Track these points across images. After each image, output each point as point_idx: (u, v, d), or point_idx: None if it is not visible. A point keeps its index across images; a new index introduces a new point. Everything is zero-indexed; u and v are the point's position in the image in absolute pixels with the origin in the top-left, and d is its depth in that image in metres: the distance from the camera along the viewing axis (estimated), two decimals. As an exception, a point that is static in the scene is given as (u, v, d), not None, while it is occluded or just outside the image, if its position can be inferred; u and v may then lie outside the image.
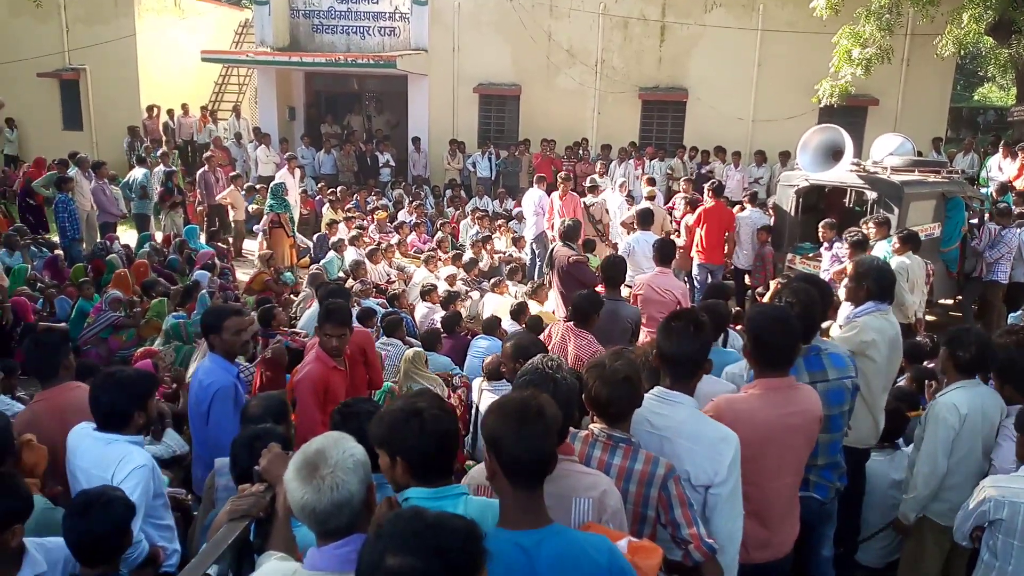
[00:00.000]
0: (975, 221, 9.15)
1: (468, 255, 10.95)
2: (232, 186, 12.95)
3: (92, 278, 8.89)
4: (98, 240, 10.83)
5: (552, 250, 7.29)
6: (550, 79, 16.84)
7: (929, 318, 7.52)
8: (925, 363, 5.82)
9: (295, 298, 9.53)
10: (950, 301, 9.69)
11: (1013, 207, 9.72)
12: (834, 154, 8.88)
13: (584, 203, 11.12)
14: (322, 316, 4.34)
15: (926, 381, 5.18)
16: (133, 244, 11.39)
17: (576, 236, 7.43)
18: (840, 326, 4.29)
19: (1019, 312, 5.54)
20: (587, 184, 12.08)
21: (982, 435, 3.46)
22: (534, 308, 8.22)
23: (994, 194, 10.49)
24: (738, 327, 6.34)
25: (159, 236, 11.95)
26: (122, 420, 3.17)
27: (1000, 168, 12.51)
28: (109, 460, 3.08)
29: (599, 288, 5.90)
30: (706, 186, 10.25)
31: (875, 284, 3.87)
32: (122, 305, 7.70)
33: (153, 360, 6.27)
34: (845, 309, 3.78)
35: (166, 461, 4.73)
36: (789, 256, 9.37)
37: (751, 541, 2.98)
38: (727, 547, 2.66)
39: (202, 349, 5.48)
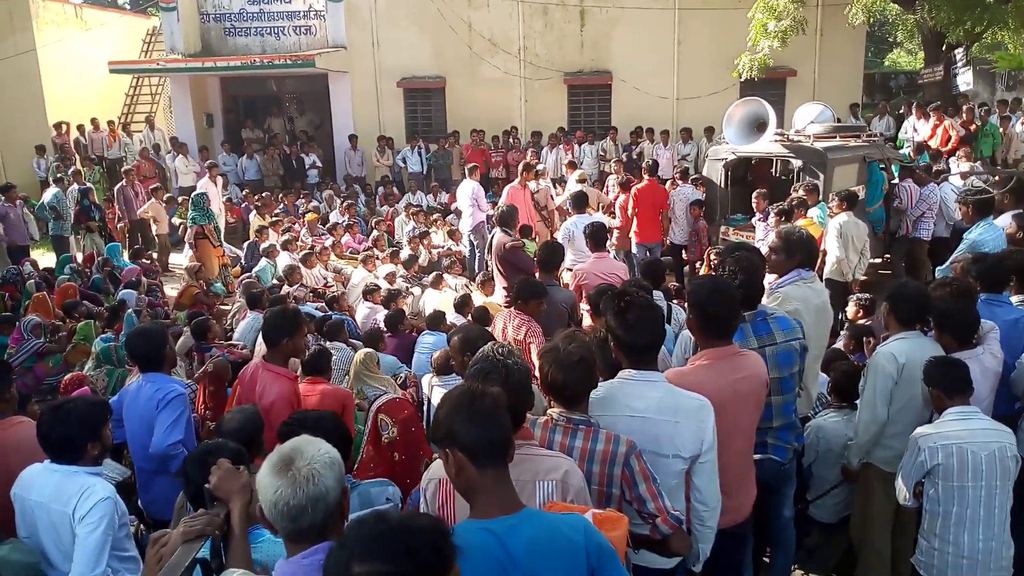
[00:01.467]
0: (895, 182, 9.47)
1: (406, 252, 10.81)
2: (153, 199, 12.50)
3: (7, 306, 8.44)
4: (10, 266, 10.28)
5: (491, 237, 7.23)
6: (474, 69, 16.74)
7: (861, 277, 7.74)
8: (862, 320, 6.00)
9: (227, 309, 9.26)
10: (878, 260, 10.02)
11: (923, 165, 10.10)
12: (758, 126, 9.07)
13: (529, 188, 11.09)
14: (274, 331, 3.98)
15: (864, 338, 5.34)
16: (53, 267, 10.87)
17: (512, 222, 7.39)
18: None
19: (944, 265, 5.71)
20: (536, 168, 12.01)
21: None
22: (478, 300, 8.16)
23: (911, 154, 10.88)
24: (682, 303, 6.43)
25: (80, 257, 11.44)
26: (76, 452, 3.02)
27: (915, 129, 13.00)
28: (69, 492, 2.93)
29: (535, 273, 5.87)
30: (643, 166, 10.34)
31: (794, 251, 3.93)
32: (43, 330, 7.32)
33: (88, 385, 5.98)
34: (767, 279, 3.83)
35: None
36: (723, 228, 9.55)
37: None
38: (716, 508, 2.74)
39: (135, 372, 5.26)
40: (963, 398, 3.29)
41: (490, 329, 4.79)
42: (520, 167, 10.63)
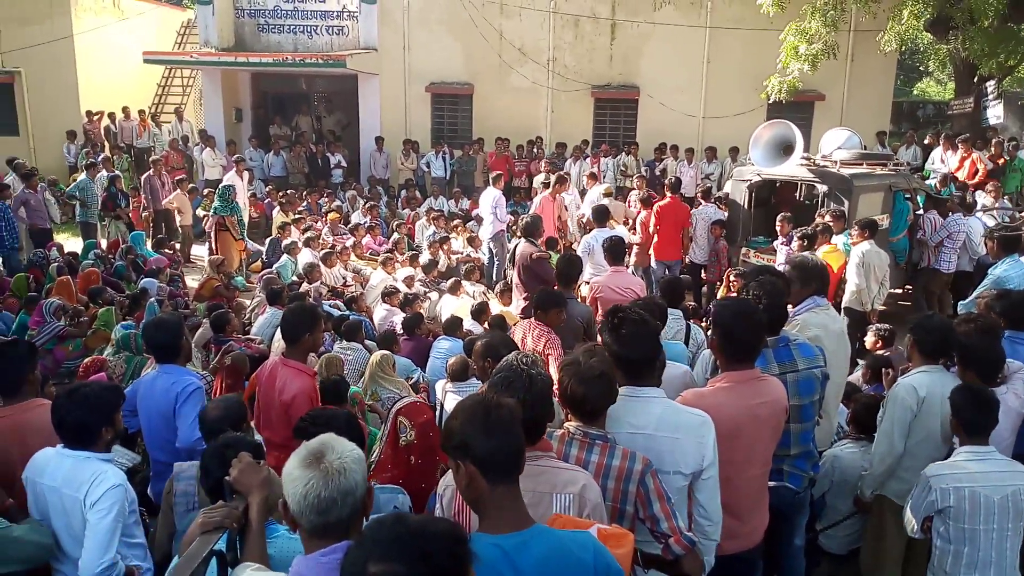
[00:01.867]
0: (920, 212, 9.40)
1: (425, 256, 10.85)
2: (178, 190, 12.63)
3: (31, 288, 8.55)
4: (35, 250, 10.42)
5: (515, 247, 7.22)
6: (502, 77, 16.81)
7: (880, 308, 7.68)
8: (880, 351, 5.95)
9: (246, 303, 9.33)
10: (899, 291, 9.94)
11: (957, 196, 10.01)
12: (784, 149, 9.04)
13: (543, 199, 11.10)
14: (294, 328, 4.03)
15: (883, 369, 5.30)
16: (79, 252, 11.01)
17: (537, 232, 7.40)
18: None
19: (968, 300, 5.68)
20: (543, 181, 12.06)
21: (941, 418, 3.52)
22: (495, 309, 8.18)
23: (937, 185, 10.80)
24: (701, 323, 6.42)
25: (104, 243, 11.58)
26: (90, 437, 3.05)
27: (943, 160, 12.89)
28: (81, 478, 2.96)
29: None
30: (666, 182, 10.34)
31: (808, 278, 3.92)
32: (64, 313, 7.42)
33: (106, 372, 6.06)
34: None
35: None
36: (743, 250, 9.51)
37: (722, 531, 3.00)
38: (719, 523, 2.74)
39: (152, 362, 5.32)
40: (983, 438, 3.26)
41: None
42: (554, 178, 10.67)
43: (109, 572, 2.84)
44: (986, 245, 5.90)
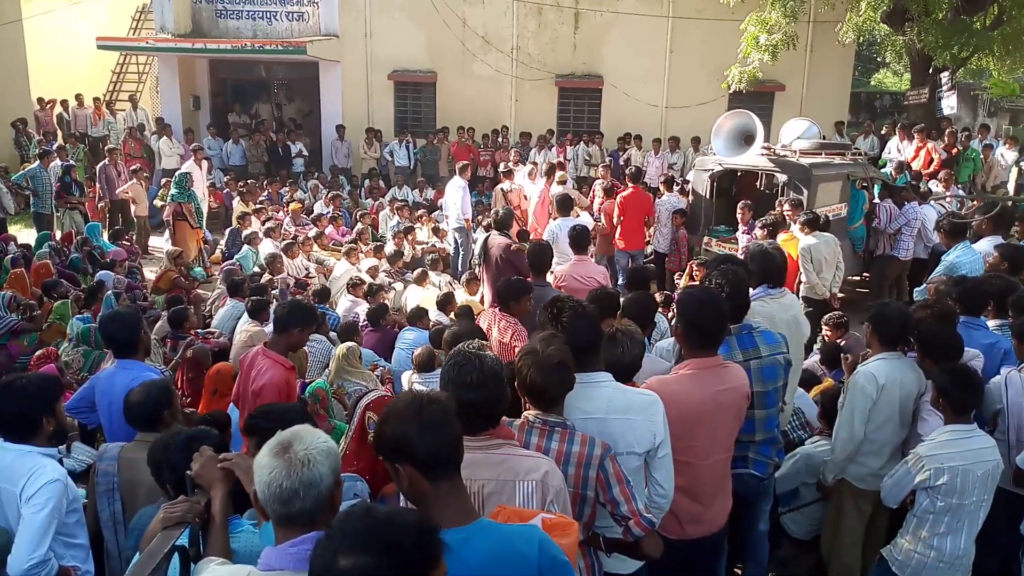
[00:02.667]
0: (876, 201, 9.59)
1: (390, 246, 10.77)
2: (133, 180, 12.34)
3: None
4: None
5: (485, 239, 7.19)
6: (466, 66, 16.71)
7: (840, 295, 7.83)
8: (838, 339, 6.08)
9: (204, 294, 9.18)
10: (857, 278, 10.14)
11: (912, 185, 10.24)
12: (746, 139, 9.16)
13: (502, 188, 11.09)
14: (287, 318, 4.10)
15: (841, 355, 5.42)
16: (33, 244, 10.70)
17: (509, 224, 7.39)
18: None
19: (922, 287, 5.82)
20: (502, 170, 12.04)
21: (899, 405, 3.61)
22: (461, 298, 8.16)
23: (892, 173, 11.04)
24: (665, 311, 6.47)
25: (59, 234, 11.28)
26: (30, 428, 2.98)
27: (899, 150, 13.18)
28: (20, 472, 2.88)
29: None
30: (627, 172, 10.40)
31: (759, 268, 3.97)
32: (19, 307, 7.21)
33: (57, 364, 5.91)
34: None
35: (79, 474, 4.47)
36: (706, 239, 9.61)
37: (684, 516, 3.06)
38: (671, 495, 2.80)
39: (110, 356, 5.20)
40: (967, 416, 3.36)
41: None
42: (546, 168, 10.67)
43: (39, 569, 2.76)
44: (938, 235, 6.06)
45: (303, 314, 4.13)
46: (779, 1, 13.07)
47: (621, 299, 4.17)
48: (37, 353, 6.40)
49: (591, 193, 12.20)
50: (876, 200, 9.60)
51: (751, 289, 3.89)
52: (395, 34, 16.62)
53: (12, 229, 11.67)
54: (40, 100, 16.39)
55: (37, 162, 11.71)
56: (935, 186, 11.19)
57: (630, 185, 9.88)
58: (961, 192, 11.19)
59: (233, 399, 4.28)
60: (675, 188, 10.72)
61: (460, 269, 10.54)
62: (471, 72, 16.73)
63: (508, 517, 2.08)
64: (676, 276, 9.49)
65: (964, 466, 3.24)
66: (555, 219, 8.43)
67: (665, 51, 16.29)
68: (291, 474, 1.80)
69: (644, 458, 2.75)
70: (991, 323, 4.35)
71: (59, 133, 16.04)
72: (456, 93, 16.83)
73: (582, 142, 15.66)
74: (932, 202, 9.84)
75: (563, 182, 10.97)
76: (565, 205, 8.47)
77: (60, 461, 3.16)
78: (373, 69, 16.87)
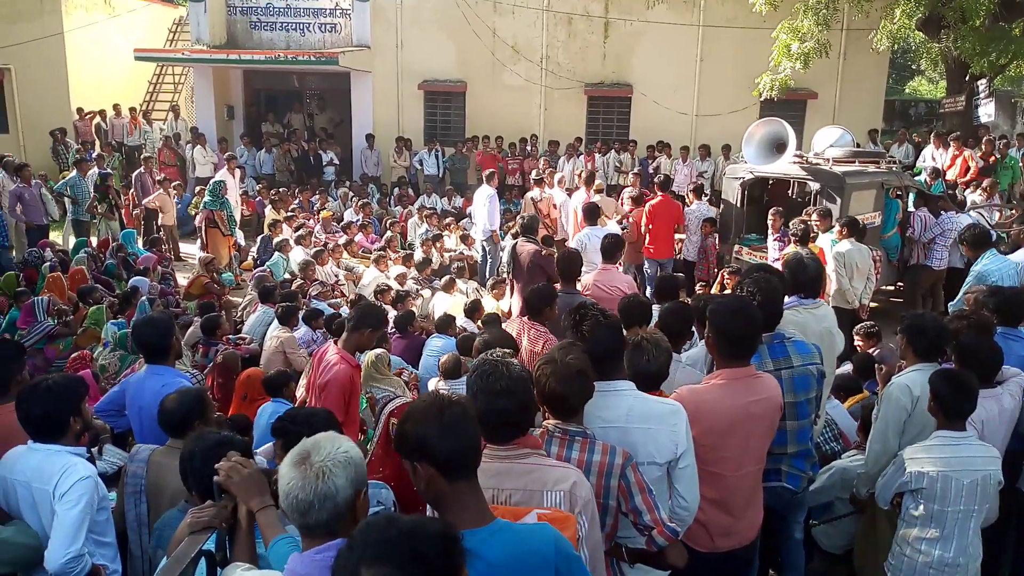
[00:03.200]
0: (911, 210, 9.42)
1: (419, 254, 10.82)
2: (160, 189, 12.53)
3: (26, 287, 8.48)
4: (28, 248, 10.33)
5: (513, 246, 7.17)
6: (496, 76, 16.79)
7: (872, 304, 7.69)
8: (871, 350, 5.97)
9: (236, 300, 9.29)
10: (891, 288, 9.97)
11: (948, 194, 10.05)
12: (777, 147, 9.04)
13: (531, 197, 11.08)
14: (360, 319, 4.28)
15: (876, 365, 5.32)
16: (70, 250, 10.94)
17: (535, 229, 7.39)
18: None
19: (957, 299, 5.70)
20: (533, 177, 12.04)
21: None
22: (489, 305, 8.16)
23: (927, 179, 10.84)
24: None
25: (95, 241, 11.51)
26: (58, 429, 3.03)
27: (934, 158, 12.94)
28: (51, 471, 2.93)
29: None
30: (655, 181, 10.34)
31: (792, 277, 3.90)
32: (56, 311, 7.37)
33: (92, 369, 6.02)
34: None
35: (110, 476, 4.53)
36: (736, 247, 9.52)
37: (715, 529, 3.01)
38: (695, 509, 2.75)
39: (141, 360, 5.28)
40: (961, 422, 3.28)
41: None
42: (585, 177, 10.67)
43: (75, 564, 2.79)
44: (962, 248, 5.96)
45: (375, 317, 4.31)
46: (811, 9, 12.95)
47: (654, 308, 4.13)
48: (72, 355, 6.53)
49: (619, 201, 12.16)
50: (911, 209, 9.43)
51: (785, 298, 3.84)
52: (425, 45, 16.75)
53: (52, 235, 11.91)
54: (79, 110, 16.77)
55: (75, 171, 11.96)
56: (971, 194, 10.96)
57: (659, 193, 9.80)
58: (998, 201, 10.95)
59: (306, 389, 4.49)
60: (704, 197, 10.62)
61: (488, 277, 10.55)
62: (501, 82, 16.79)
63: (502, 515, 2.06)
64: (698, 286, 9.39)
65: (947, 473, 3.18)
66: (584, 228, 8.40)
67: (695, 59, 16.21)
68: (306, 486, 1.81)
69: (666, 468, 2.70)
70: (1026, 333, 4.23)
71: (96, 142, 16.38)
72: (486, 102, 16.91)
73: (612, 150, 15.63)
74: (970, 212, 9.64)
75: (600, 191, 10.94)
76: (593, 214, 8.45)
77: (92, 462, 3.20)
78: (404, 79, 17.02)
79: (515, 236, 8.43)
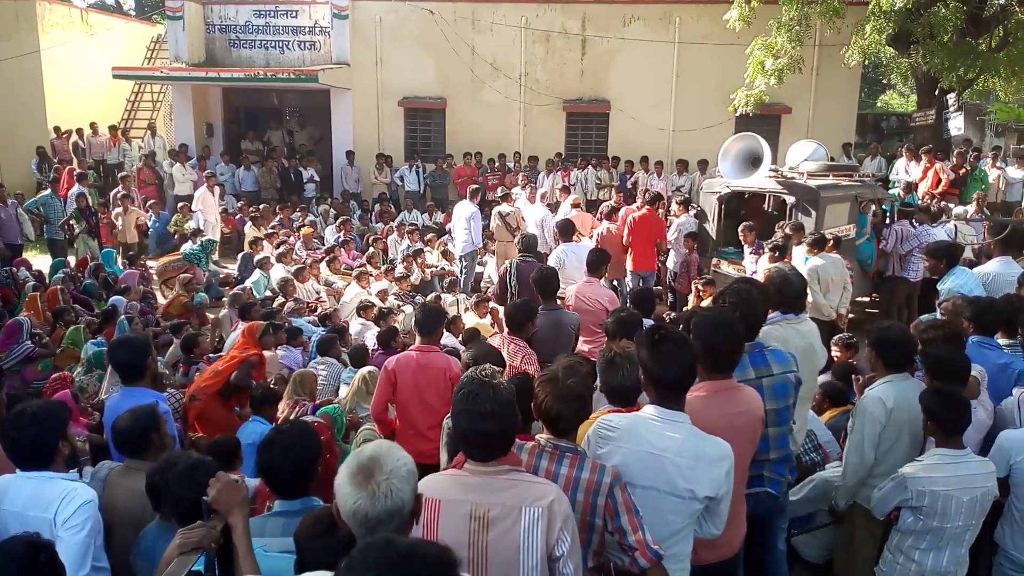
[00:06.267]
0: (889, 223, 9.58)
1: (400, 270, 10.83)
2: (120, 207, 12.44)
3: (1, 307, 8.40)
4: (2, 267, 10.20)
5: (515, 264, 7.08)
6: (475, 92, 16.89)
7: (850, 315, 7.81)
8: (849, 360, 6.06)
9: (219, 318, 9.23)
10: (866, 299, 10.12)
11: (924, 206, 10.22)
12: (753, 161, 9.19)
13: (500, 212, 11.09)
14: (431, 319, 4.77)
15: (852, 376, 5.40)
16: (46, 270, 10.81)
17: (534, 247, 7.41)
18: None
19: (933, 313, 5.75)
20: (499, 193, 12.04)
21: (908, 426, 3.58)
22: (469, 320, 8.18)
23: (901, 193, 11.04)
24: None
25: (73, 261, 11.40)
26: (48, 455, 2.98)
27: (906, 171, 13.19)
28: (49, 498, 2.88)
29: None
30: (639, 193, 10.43)
31: (777, 293, 3.96)
32: (32, 333, 7.29)
33: (72, 390, 5.95)
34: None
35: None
36: (715, 260, 9.63)
37: (699, 542, 3.02)
38: (720, 533, 2.83)
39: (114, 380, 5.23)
40: (958, 439, 3.34)
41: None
42: (560, 189, 10.68)
43: None
44: (927, 262, 6.09)
45: (440, 315, 4.95)
46: (784, 26, 13.18)
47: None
48: (52, 376, 6.45)
49: (599, 215, 12.24)
50: (888, 222, 9.59)
51: (769, 313, 3.89)
52: (405, 62, 16.83)
53: (28, 255, 11.79)
54: (57, 129, 16.64)
55: (48, 190, 11.86)
56: (957, 207, 11.13)
57: (645, 208, 9.81)
58: (987, 213, 11.13)
59: (407, 399, 4.63)
60: (692, 210, 10.72)
61: (465, 293, 10.56)
62: (480, 98, 16.90)
63: None
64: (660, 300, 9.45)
65: (947, 491, 3.23)
66: (559, 244, 8.44)
67: (672, 76, 16.41)
68: (375, 505, 1.87)
69: (691, 503, 2.66)
70: (1001, 342, 4.32)
71: (75, 161, 16.26)
72: (465, 119, 17.00)
73: (590, 166, 15.76)
74: (957, 222, 9.82)
75: (576, 205, 10.97)
76: (567, 230, 8.49)
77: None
78: (383, 96, 17.07)
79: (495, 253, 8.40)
